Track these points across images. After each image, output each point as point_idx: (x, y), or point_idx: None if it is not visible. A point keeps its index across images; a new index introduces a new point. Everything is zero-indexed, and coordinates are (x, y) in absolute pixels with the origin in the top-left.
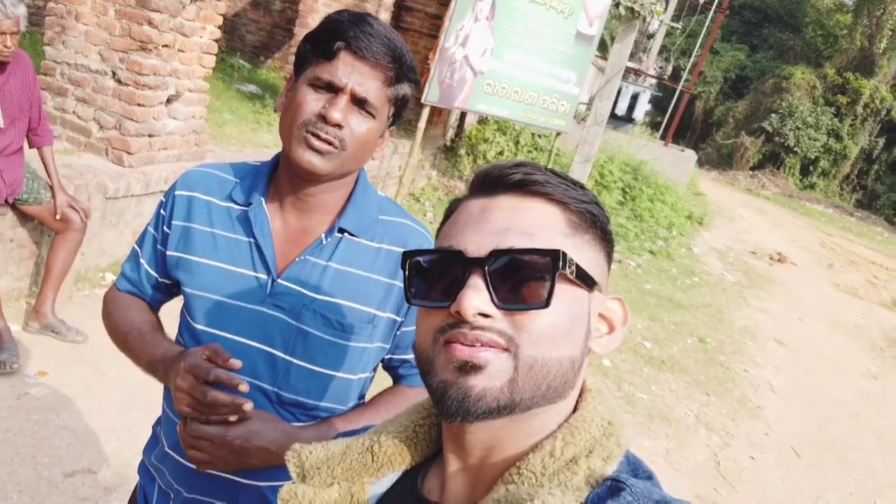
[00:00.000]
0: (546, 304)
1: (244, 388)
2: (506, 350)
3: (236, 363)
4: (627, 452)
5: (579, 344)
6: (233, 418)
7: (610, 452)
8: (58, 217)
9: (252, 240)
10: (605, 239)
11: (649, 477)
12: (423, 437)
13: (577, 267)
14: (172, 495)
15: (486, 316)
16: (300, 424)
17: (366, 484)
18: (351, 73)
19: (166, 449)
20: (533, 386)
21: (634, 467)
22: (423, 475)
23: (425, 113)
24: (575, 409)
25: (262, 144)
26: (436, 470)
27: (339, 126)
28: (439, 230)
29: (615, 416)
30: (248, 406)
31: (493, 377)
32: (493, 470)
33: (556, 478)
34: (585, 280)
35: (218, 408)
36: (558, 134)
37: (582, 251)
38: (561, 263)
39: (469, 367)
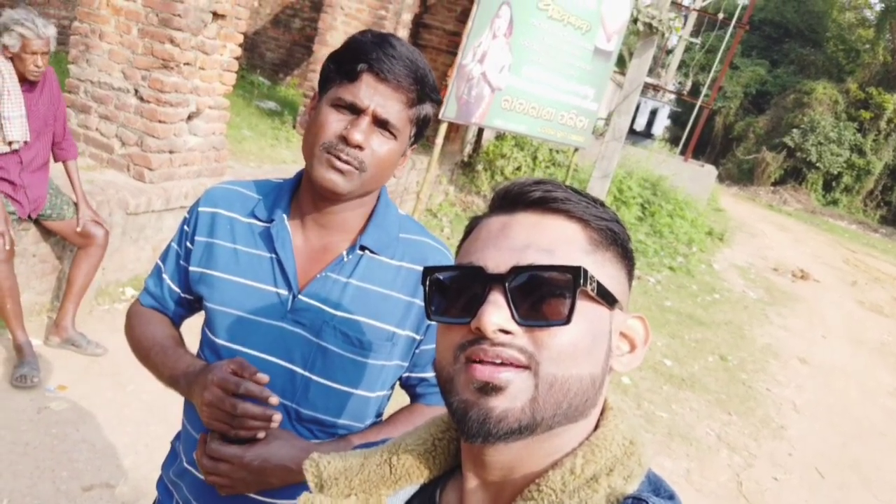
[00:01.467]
0: (567, 320)
1: (274, 400)
2: (526, 367)
3: (263, 377)
4: (649, 472)
5: (600, 362)
6: (261, 435)
7: (631, 471)
8: (78, 229)
9: (274, 256)
10: (626, 257)
11: (671, 497)
12: (442, 450)
13: (598, 284)
14: None
15: (506, 332)
16: (318, 441)
17: (383, 496)
18: (373, 95)
19: (185, 464)
20: (554, 404)
21: (656, 487)
22: (441, 489)
23: (443, 129)
24: (596, 428)
25: (281, 160)
26: (454, 484)
27: (360, 147)
28: (459, 247)
29: (637, 434)
30: (278, 417)
31: (514, 397)
32: (512, 488)
33: (576, 496)
34: (606, 297)
35: (247, 420)
36: (576, 149)
37: (603, 268)
38: (582, 280)
39: (490, 388)
